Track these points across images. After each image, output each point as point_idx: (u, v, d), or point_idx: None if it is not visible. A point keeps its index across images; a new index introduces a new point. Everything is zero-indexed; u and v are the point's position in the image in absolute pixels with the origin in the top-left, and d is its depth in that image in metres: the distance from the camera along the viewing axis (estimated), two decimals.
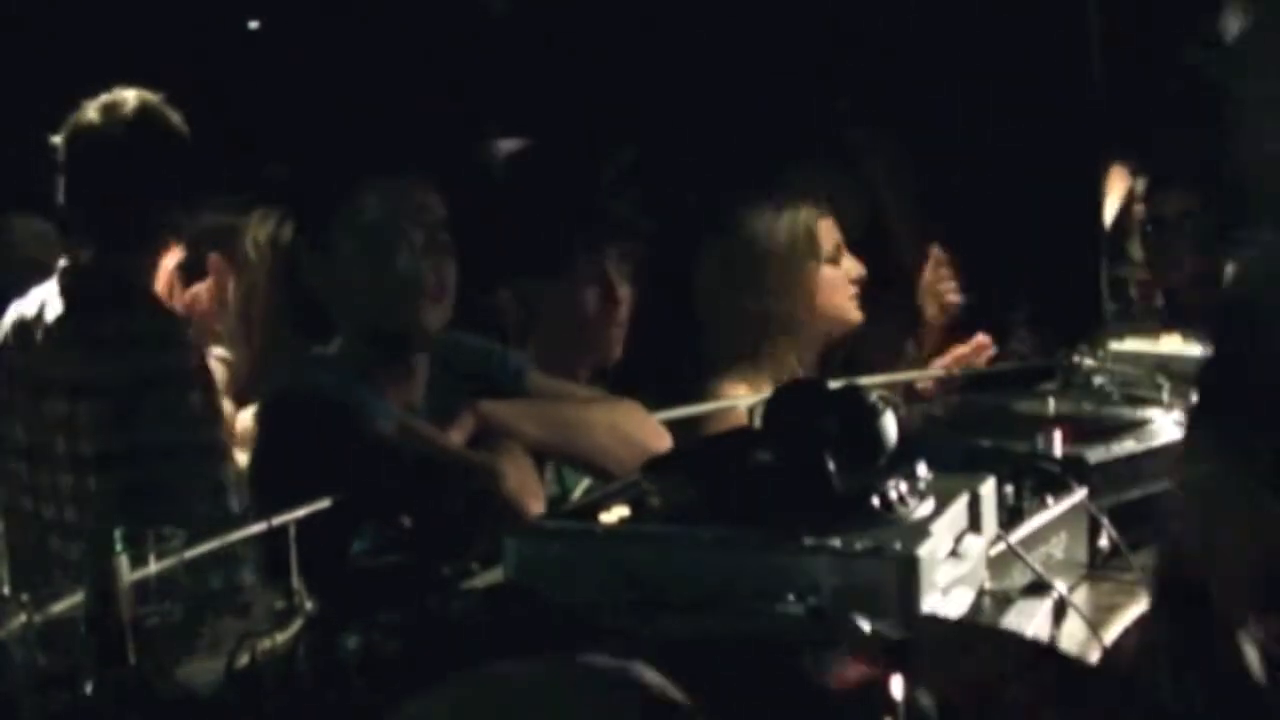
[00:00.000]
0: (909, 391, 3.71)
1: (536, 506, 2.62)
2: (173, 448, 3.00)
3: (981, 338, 3.78)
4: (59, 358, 3.06)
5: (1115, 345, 3.29)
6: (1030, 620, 1.99)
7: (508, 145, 6.04)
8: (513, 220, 3.62)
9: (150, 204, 3.11)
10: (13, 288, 3.30)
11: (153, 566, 2.01)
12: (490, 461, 2.65)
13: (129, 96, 3.11)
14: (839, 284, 3.69)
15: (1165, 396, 2.84)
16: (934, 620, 1.56)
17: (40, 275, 3.21)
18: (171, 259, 3.26)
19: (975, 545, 2.00)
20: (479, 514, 2.59)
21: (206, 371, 3.12)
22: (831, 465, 1.89)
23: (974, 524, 2.03)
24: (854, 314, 3.72)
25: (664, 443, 2.85)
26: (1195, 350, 3.16)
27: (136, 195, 3.09)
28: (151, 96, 3.13)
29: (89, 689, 1.81)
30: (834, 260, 3.70)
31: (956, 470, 2.10)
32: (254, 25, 6.42)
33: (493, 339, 3.09)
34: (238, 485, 3.02)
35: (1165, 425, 2.70)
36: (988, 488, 2.08)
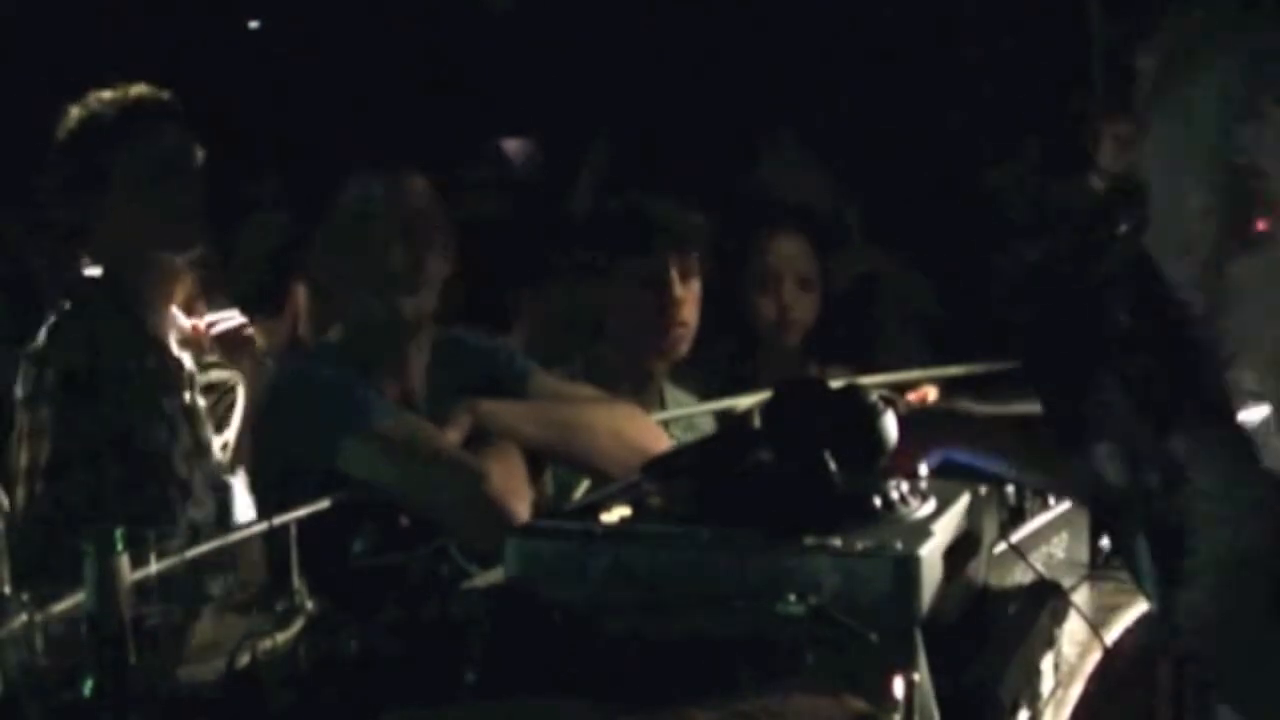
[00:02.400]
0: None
1: (521, 508, 2.61)
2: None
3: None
4: None
5: None
6: (1031, 620, 1.99)
7: (513, 144, 6.05)
8: (551, 226, 3.66)
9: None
10: None
11: (153, 566, 2.01)
12: (475, 461, 2.65)
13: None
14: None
15: None
16: None
17: None
18: None
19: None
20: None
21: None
22: (831, 465, 1.89)
23: (975, 524, 2.03)
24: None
25: (663, 446, 2.85)
26: None
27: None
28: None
29: (89, 689, 1.81)
30: (765, 288, 3.84)
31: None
32: (254, 25, 6.43)
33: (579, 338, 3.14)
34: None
35: None
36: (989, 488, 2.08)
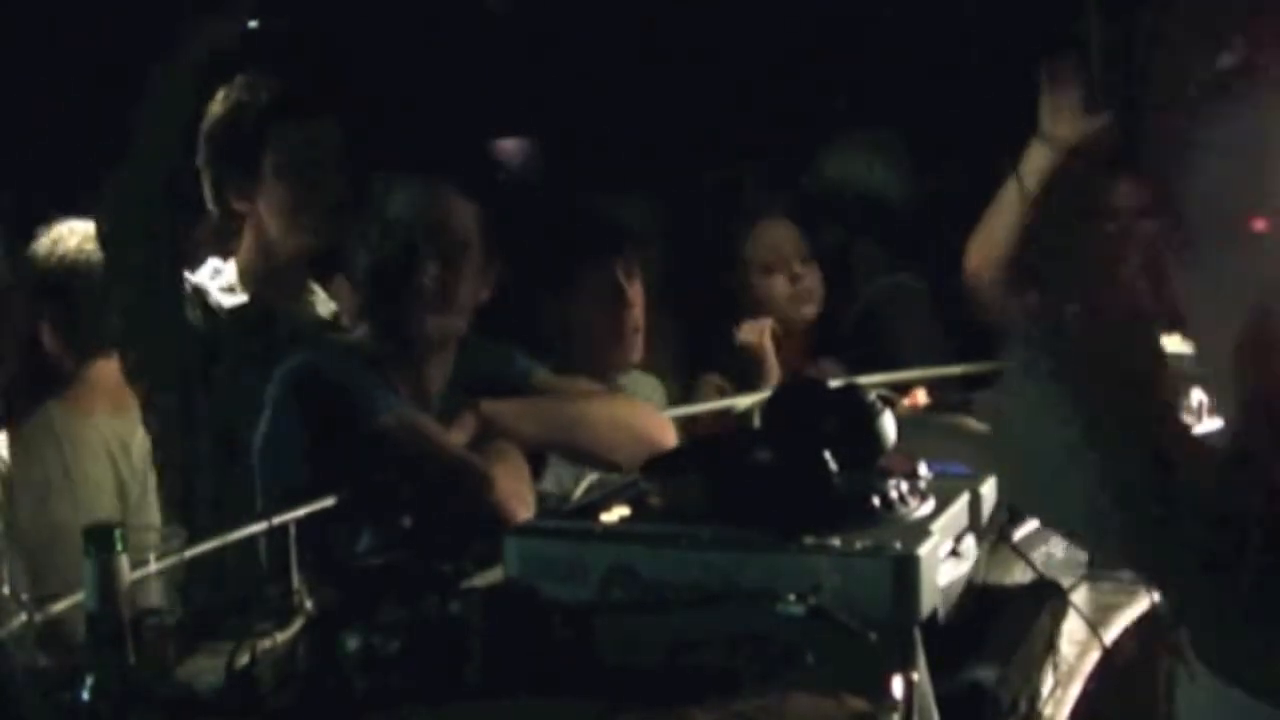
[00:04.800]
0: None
1: (524, 512, 2.62)
2: None
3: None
4: None
5: None
6: (1031, 620, 1.99)
7: (505, 145, 6.04)
8: (514, 235, 3.66)
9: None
10: None
11: (152, 566, 2.01)
12: (483, 465, 2.65)
13: None
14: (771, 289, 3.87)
15: None
16: None
17: None
18: None
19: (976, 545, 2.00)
20: (472, 513, 2.59)
21: None
22: (832, 465, 1.89)
23: (974, 523, 2.03)
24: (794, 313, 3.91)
25: (668, 435, 2.86)
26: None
27: None
28: None
29: (89, 689, 1.81)
30: (768, 269, 3.88)
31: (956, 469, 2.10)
32: (253, 25, 6.42)
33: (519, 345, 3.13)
34: None
35: None
36: (988, 487, 2.08)
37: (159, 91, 2.88)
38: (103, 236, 3.02)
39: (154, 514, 3.16)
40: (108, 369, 3.29)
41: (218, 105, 3.08)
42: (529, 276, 3.45)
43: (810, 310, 4.02)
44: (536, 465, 2.93)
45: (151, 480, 3.19)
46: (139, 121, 2.86)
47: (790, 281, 3.98)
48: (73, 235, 3.52)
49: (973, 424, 2.67)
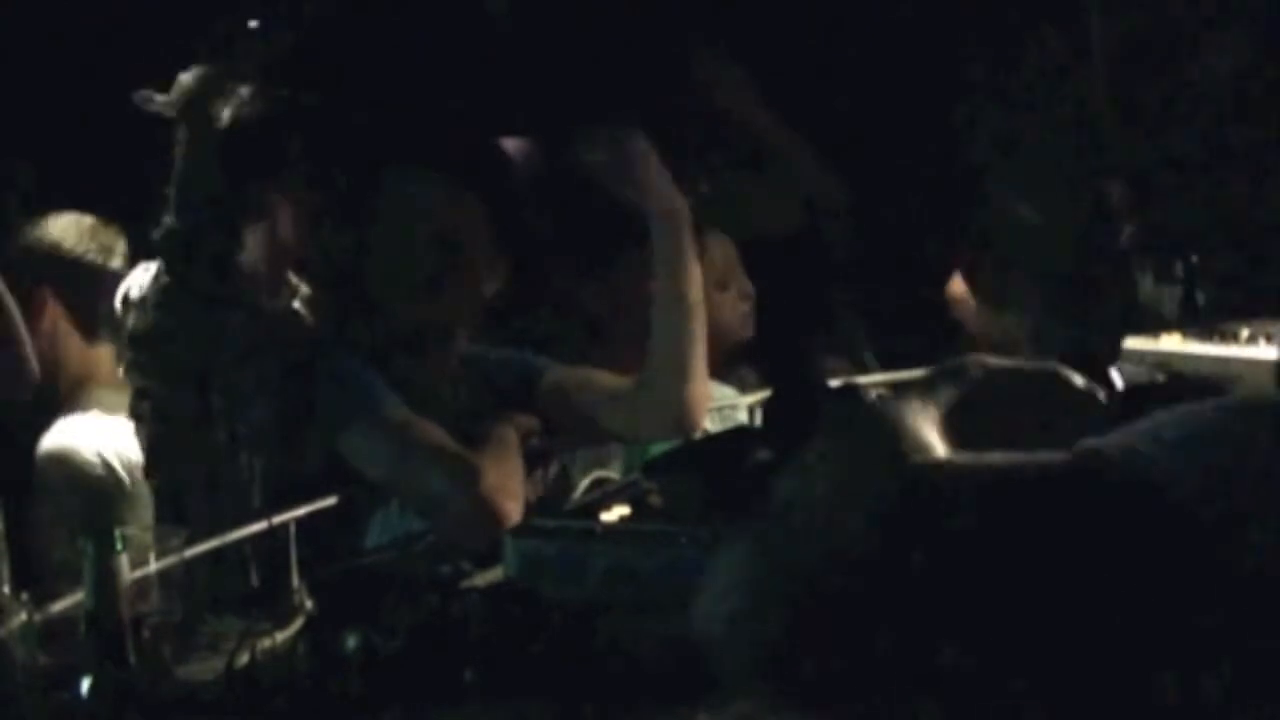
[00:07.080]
0: None
1: (513, 508, 2.60)
2: None
3: None
4: None
5: None
6: None
7: (512, 144, 6.04)
8: (550, 222, 3.61)
9: None
10: None
11: (152, 566, 2.01)
12: (468, 459, 2.63)
13: None
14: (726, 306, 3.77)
15: None
16: None
17: None
18: None
19: None
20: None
21: None
22: None
23: None
24: (744, 332, 3.78)
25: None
26: (1195, 348, 3.16)
27: None
28: None
29: (89, 688, 1.81)
30: (722, 284, 3.77)
31: None
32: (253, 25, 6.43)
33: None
34: None
35: None
36: None
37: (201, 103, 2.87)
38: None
39: None
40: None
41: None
42: (571, 259, 3.41)
43: (750, 332, 3.88)
44: (545, 464, 2.92)
45: None
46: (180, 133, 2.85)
47: (742, 300, 3.85)
48: (55, 225, 3.54)
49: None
